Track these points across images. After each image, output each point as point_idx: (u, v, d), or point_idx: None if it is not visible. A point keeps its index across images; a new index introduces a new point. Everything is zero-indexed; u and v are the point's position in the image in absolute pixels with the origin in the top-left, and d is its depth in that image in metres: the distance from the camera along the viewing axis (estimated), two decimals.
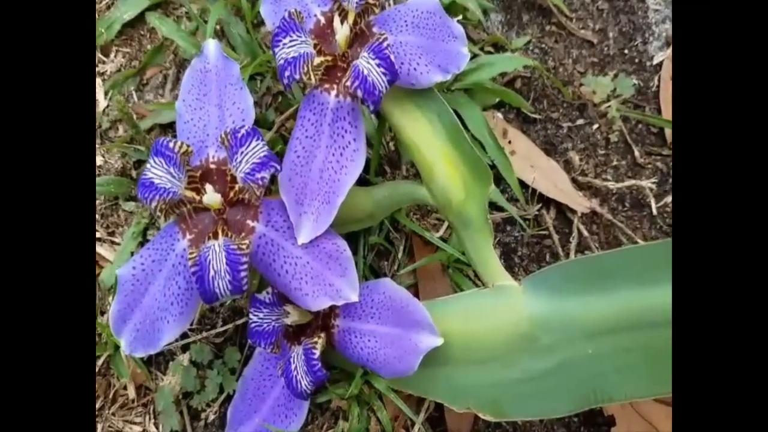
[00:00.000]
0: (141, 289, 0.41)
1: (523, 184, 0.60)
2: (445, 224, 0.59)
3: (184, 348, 0.55)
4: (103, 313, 0.56)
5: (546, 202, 0.60)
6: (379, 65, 0.39)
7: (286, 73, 0.40)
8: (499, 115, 0.63)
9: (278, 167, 0.38)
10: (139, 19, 0.66)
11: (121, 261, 0.56)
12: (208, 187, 0.40)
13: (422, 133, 0.47)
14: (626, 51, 0.66)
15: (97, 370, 0.54)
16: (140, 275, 0.41)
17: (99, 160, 0.61)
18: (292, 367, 0.44)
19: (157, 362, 0.55)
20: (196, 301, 0.42)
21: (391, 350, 0.42)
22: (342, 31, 0.42)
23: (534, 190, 0.59)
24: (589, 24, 0.68)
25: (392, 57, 0.40)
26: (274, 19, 0.45)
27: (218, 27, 0.62)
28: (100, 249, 0.58)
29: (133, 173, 0.59)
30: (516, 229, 0.59)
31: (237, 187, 0.40)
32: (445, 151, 0.46)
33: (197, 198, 0.40)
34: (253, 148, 0.38)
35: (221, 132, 0.41)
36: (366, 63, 0.39)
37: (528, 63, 0.60)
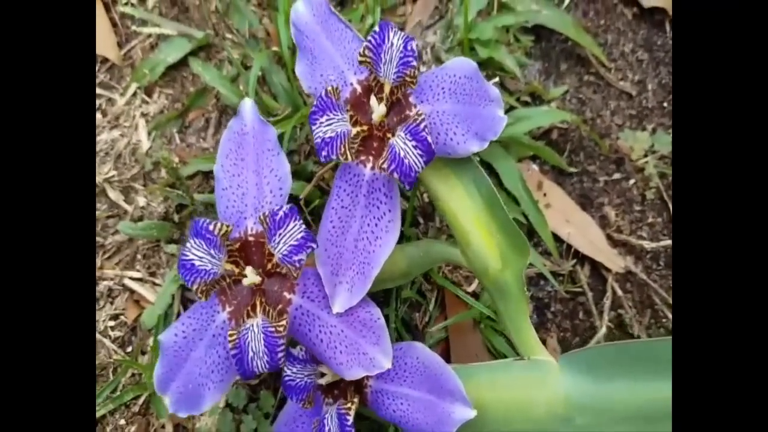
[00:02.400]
0: (183, 355, 0.44)
1: (557, 238, 0.63)
2: None
3: None
4: (143, 353, 0.61)
5: (581, 258, 0.63)
6: (415, 147, 0.41)
7: (324, 153, 0.42)
8: (535, 167, 0.66)
9: (315, 246, 0.41)
10: (182, 62, 0.71)
11: (162, 303, 0.61)
12: (249, 269, 0.43)
13: (459, 200, 0.49)
14: (665, 104, 0.69)
15: (137, 409, 0.59)
16: (182, 342, 0.44)
17: (142, 202, 0.66)
18: (326, 429, 0.46)
19: None
20: (234, 370, 0.44)
21: (424, 416, 0.44)
22: (378, 111, 0.44)
23: (569, 245, 0.62)
24: (628, 75, 0.71)
25: (429, 138, 0.42)
26: (309, 81, 0.47)
27: (260, 74, 0.66)
28: (142, 289, 0.63)
29: (176, 217, 0.64)
30: (549, 284, 0.62)
31: (275, 259, 0.42)
32: (482, 219, 0.48)
33: (236, 271, 0.43)
34: (291, 229, 0.40)
35: (260, 202, 0.44)
36: (402, 144, 0.41)
37: (565, 117, 0.63)
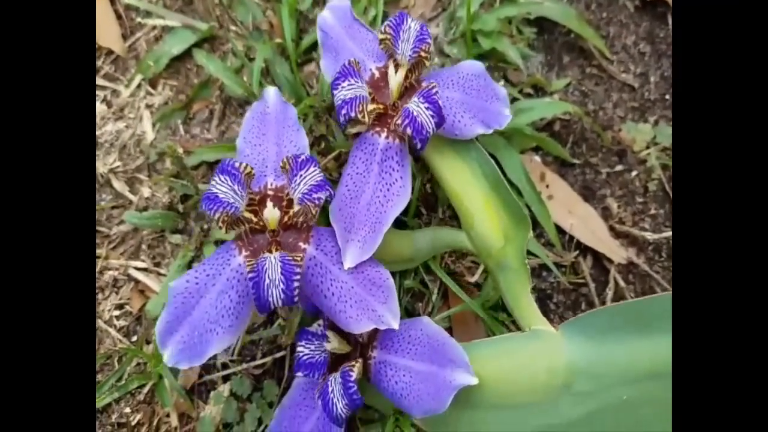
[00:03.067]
0: (192, 302, 0.45)
1: (560, 229, 0.63)
2: (480, 268, 0.63)
3: (225, 378, 0.60)
4: (148, 342, 0.61)
5: (583, 249, 0.64)
6: (428, 108, 0.45)
7: (343, 112, 0.46)
8: (537, 158, 0.67)
9: (332, 191, 0.44)
10: (187, 53, 0.72)
11: (167, 293, 0.62)
12: (269, 203, 0.45)
13: (463, 181, 0.52)
14: (667, 96, 0.70)
15: (142, 398, 0.60)
16: (193, 288, 0.45)
17: (147, 193, 0.67)
18: (330, 389, 0.47)
19: (199, 392, 0.60)
20: (247, 316, 0.46)
21: (425, 386, 0.45)
22: (395, 79, 0.48)
23: (571, 236, 0.63)
24: (631, 67, 0.71)
25: (440, 102, 0.46)
26: (332, 72, 0.51)
27: (263, 65, 0.67)
28: (146, 279, 0.64)
29: (180, 207, 0.65)
30: (552, 276, 0.63)
31: (292, 211, 0.45)
32: (485, 199, 0.51)
33: (255, 219, 0.46)
34: (311, 172, 0.44)
35: (278, 167, 0.47)
36: (416, 106, 0.46)
37: (567, 109, 0.64)
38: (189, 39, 0.71)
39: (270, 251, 0.44)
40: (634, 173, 0.67)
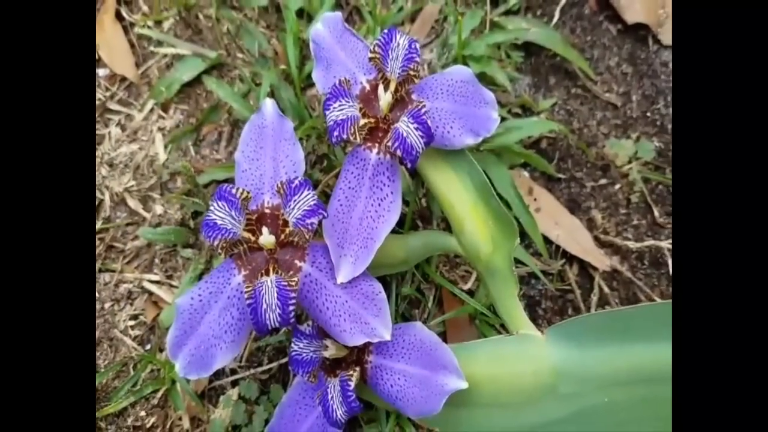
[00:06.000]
0: (197, 318, 0.48)
1: (547, 240, 0.69)
2: (473, 276, 0.68)
3: (234, 383, 0.66)
4: (161, 350, 0.67)
5: (569, 257, 0.69)
6: (417, 129, 0.47)
7: (335, 133, 0.48)
8: (525, 173, 0.73)
9: (325, 214, 0.46)
10: (197, 80, 0.78)
11: None
12: (264, 229, 0.47)
13: (454, 190, 0.56)
14: (648, 114, 0.76)
15: (156, 402, 0.66)
16: (197, 305, 0.48)
17: (159, 210, 0.73)
18: (329, 396, 0.51)
19: (209, 396, 0.66)
20: (247, 331, 0.50)
21: (418, 390, 0.49)
22: (385, 99, 0.51)
23: (558, 246, 0.69)
24: (614, 87, 0.78)
25: (429, 122, 0.48)
26: (323, 83, 0.54)
27: (269, 90, 0.74)
28: (159, 291, 0.70)
29: (191, 223, 0.71)
30: (540, 283, 0.68)
31: (288, 230, 0.48)
32: (475, 207, 0.55)
33: (253, 239, 0.48)
34: (305, 196, 0.46)
35: (276, 182, 0.49)
36: (405, 126, 0.48)
37: (553, 127, 0.70)
38: (199, 66, 0.78)
39: (267, 271, 0.47)
40: (617, 186, 0.73)
